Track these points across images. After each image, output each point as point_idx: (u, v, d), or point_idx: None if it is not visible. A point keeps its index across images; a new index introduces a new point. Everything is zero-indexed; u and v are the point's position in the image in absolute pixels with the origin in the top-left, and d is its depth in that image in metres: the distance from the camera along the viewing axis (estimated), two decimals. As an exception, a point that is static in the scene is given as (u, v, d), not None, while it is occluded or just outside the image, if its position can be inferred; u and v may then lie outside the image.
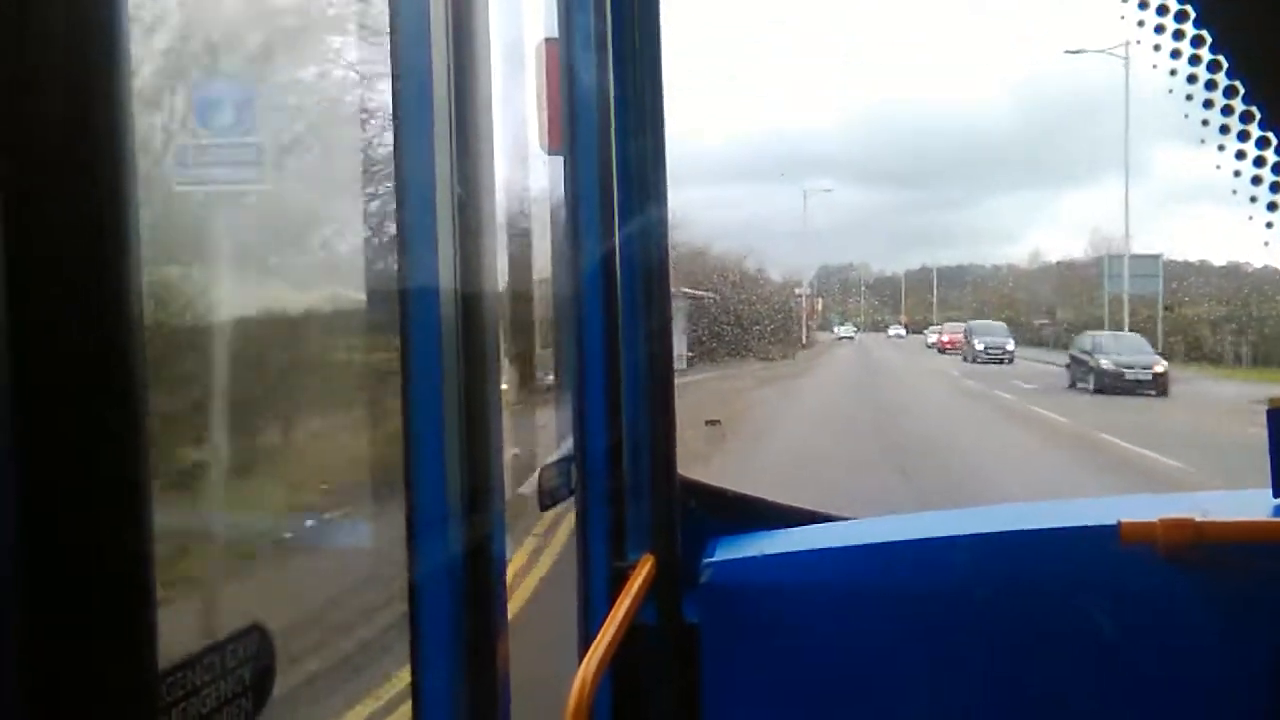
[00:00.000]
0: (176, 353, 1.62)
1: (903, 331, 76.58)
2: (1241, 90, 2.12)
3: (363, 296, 2.10)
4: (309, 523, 2.93)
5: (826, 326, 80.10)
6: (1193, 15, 2.12)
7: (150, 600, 0.78)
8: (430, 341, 1.74)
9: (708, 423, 22.47)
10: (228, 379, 1.79)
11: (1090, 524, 3.14)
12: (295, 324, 2.03)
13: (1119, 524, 2.97)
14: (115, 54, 0.73)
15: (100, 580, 0.73)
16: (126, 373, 0.75)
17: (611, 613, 2.68)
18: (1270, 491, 3.18)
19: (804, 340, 57.32)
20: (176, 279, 1.62)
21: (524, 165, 3.31)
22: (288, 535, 2.82)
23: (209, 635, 1.13)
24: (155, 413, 0.78)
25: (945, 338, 60.40)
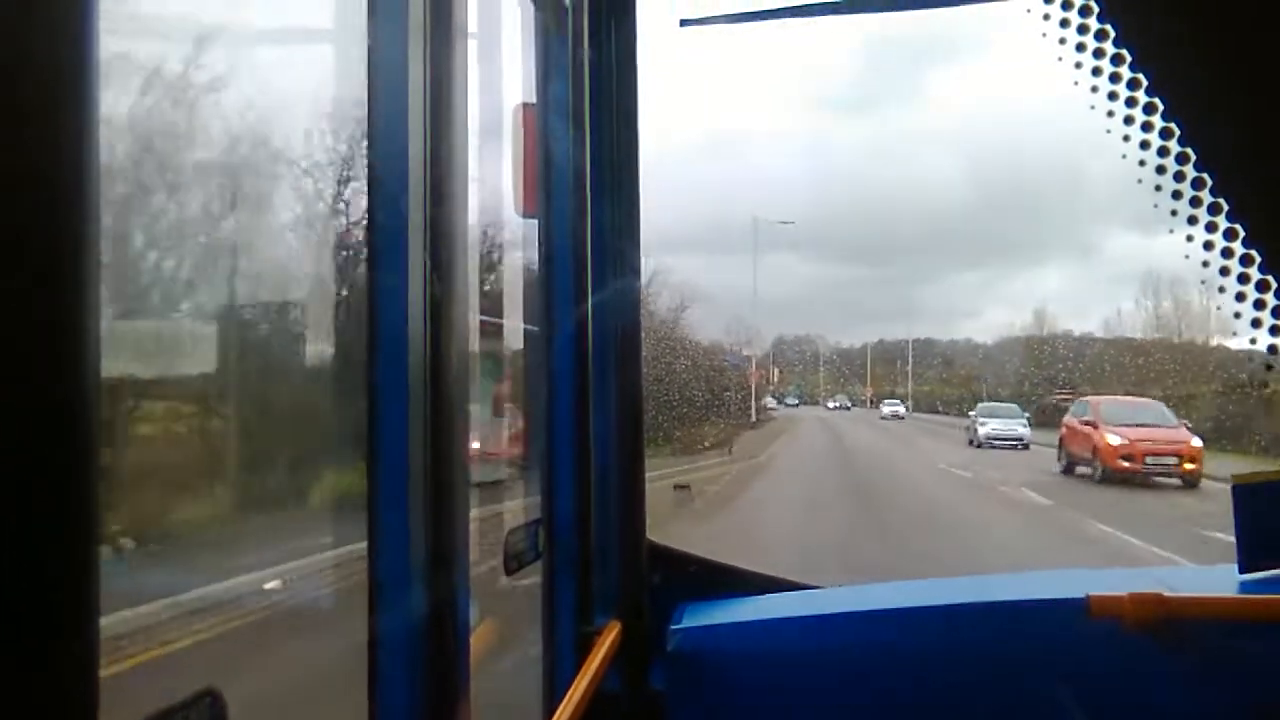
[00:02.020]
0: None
1: (901, 409, 61.11)
2: (1210, 182, 2.18)
3: (331, 352, 2.09)
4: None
5: (784, 399, 70.00)
6: (1161, 108, 2.17)
7: (92, 665, 0.74)
8: (399, 403, 1.73)
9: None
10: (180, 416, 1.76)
11: (1058, 597, 3.14)
12: (265, 381, 2.01)
13: (1087, 598, 2.97)
14: (84, 61, 0.72)
15: (37, 646, 0.69)
16: (77, 416, 0.72)
17: (576, 679, 2.64)
18: (1236, 568, 3.20)
19: (753, 417, 44.93)
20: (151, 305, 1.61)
21: (499, 228, 3.33)
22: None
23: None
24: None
25: (1112, 438, 24.21)
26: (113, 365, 1.40)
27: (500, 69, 2.92)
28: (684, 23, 3.16)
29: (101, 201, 0.75)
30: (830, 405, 71.45)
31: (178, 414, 1.76)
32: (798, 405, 72.93)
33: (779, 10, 3.00)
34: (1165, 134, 2.19)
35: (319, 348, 2.12)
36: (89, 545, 0.73)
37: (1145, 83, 2.18)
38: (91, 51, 0.74)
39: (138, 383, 1.55)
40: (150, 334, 1.58)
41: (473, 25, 2.03)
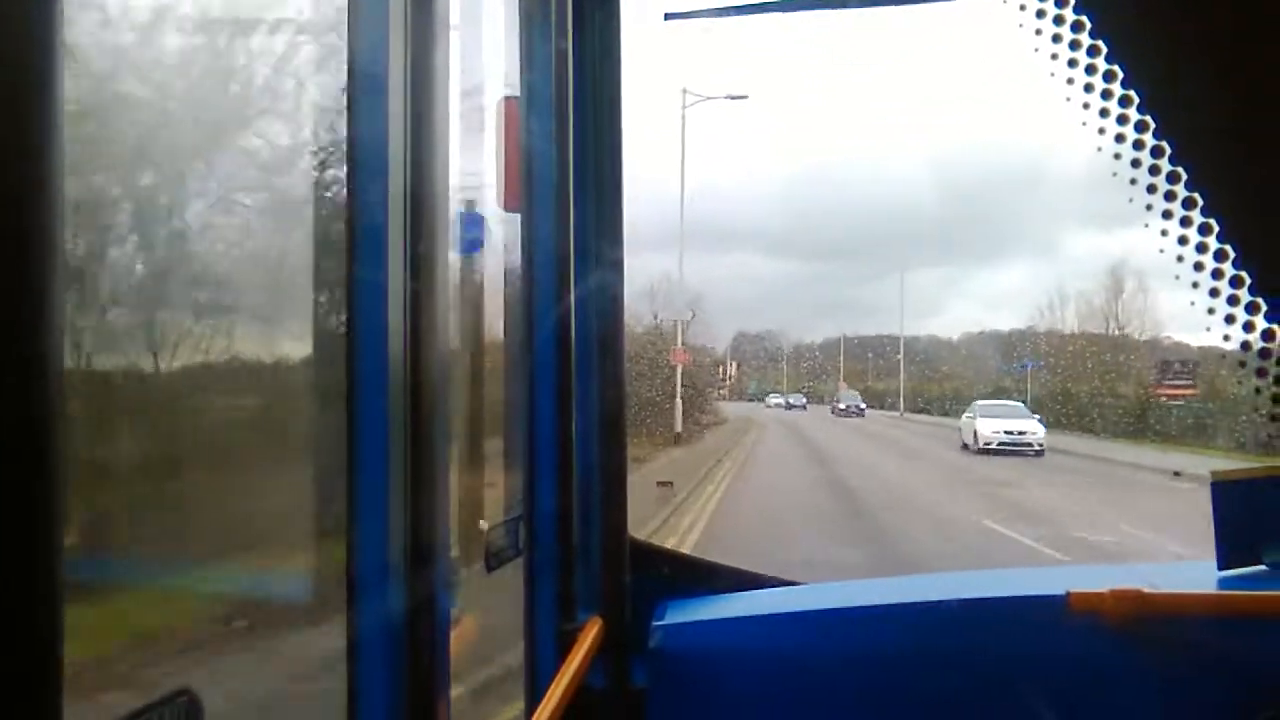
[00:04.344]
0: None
1: (1036, 432, 32.57)
2: (1184, 176, 2.17)
3: (309, 349, 2.07)
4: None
5: (742, 395, 60.98)
6: (1136, 101, 2.17)
7: (55, 667, 0.72)
8: (378, 398, 1.72)
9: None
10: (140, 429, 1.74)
11: (1039, 593, 3.15)
12: (235, 377, 1.99)
13: (1068, 594, 2.98)
14: (48, 59, 0.71)
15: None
16: (41, 414, 0.70)
17: (558, 675, 2.63)
18: (1215, 564, 3.22)
19: (677, 426, 28.02)
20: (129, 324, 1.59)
21: (480, 221, 3.31)
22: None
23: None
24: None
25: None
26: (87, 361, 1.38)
27: (482, 61, 2.90)
28: (668, 16, 3.14)
29: (66, 196, 0.73)
30: (840, 407, 54.77)
31: (153, 408, 1.73)
32: (805, 407, 59.61)
33: (763, 4, 2.98)
34: (1140, 126, 2.18)
35: (297, 343, 2.10)
36: (52, 544, 0.72)
37: (1121, 75, 2.17)
38: (55, 40, 0.72)
39: (110, 378, 1.53)
40: (122, 330, 1.56)
41: (454, 17, 2.01)
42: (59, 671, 0.73)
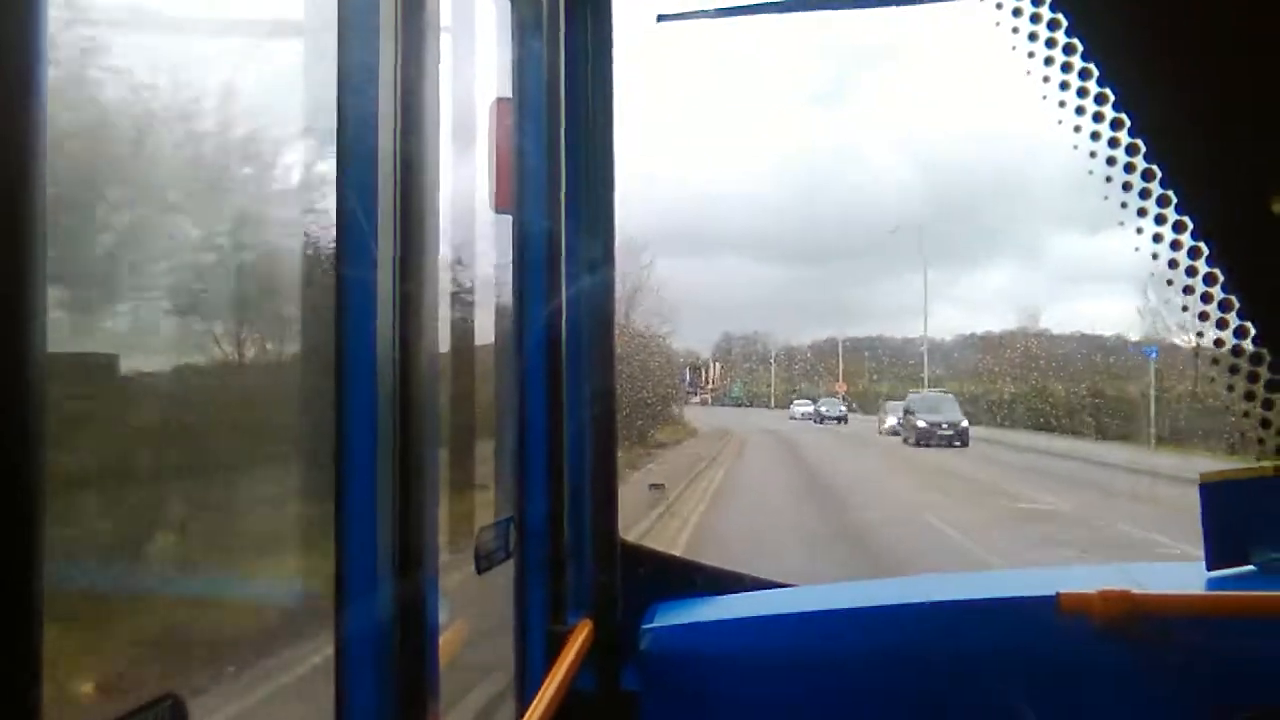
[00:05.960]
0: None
1: None
2: (1159, 174, 2.18)
3: (298, 351, 2.06)
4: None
5: (723, 400, 55.54)
6: (1112, 98, 2.17)
7: (35, 673, 0.72)
8: (366, 400, 1.71)
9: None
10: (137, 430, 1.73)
11: (1028, 595, 3.16)
12: (222, 380, 1.98)
13: (1057, 595, 2.99)
14: (32, 56, 0.70)
15: None
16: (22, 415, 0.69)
17: (548, 678, 2.62)
18: (1204, 565, 3.24)
19: None
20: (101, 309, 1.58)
21: (471, 223, 3.30)
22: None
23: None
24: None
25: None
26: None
27: (474, 63, 2.90)
28: (661, 18, 3.14)
29: (54, 199, 0.73)
30: (918, 424, 35.52)
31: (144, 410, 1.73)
32: (845, 419, 45.52)
33: (757, 6, 2.98)
34: (1116, 125, 2.18)
35: (286, 344, 2.10)
36: (32, 543, 0.71)
37: (1096, 73, 2.17)
38: (39, 41, 0.71)
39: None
40: (108, 330, 1.55)
41: (445, 19, 2.01)
42: (38, 675, 0.73)
